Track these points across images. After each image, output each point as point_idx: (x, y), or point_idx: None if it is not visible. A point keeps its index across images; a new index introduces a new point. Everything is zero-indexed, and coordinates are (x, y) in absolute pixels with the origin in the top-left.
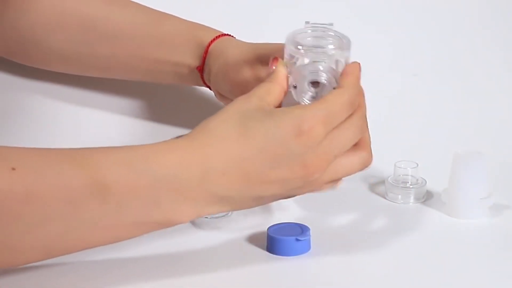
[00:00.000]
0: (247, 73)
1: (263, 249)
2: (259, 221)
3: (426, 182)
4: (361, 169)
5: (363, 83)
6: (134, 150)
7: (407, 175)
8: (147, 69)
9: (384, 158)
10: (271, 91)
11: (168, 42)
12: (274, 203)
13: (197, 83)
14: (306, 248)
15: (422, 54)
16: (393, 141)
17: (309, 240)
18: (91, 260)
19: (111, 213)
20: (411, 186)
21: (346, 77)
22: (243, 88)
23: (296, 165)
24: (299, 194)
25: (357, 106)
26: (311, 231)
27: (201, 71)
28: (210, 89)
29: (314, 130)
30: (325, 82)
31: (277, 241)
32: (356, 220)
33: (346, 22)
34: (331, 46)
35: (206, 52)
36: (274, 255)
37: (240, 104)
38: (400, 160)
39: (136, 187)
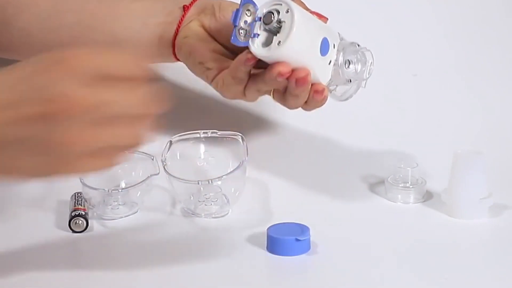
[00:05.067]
0: None
1: (263, 249)
2: (259, 221)
3: (426, 182)
4: (127, 143)
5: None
6: None
7: (407, 175)
8: (113, 29)
9: (384, 158)
10: None
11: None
12: (275, 204)
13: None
14: (306, 248)
15: (422, 54)
16: (393, 141)
17: (309, 240)
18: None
19: None
20: (411, 186)
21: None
22: None
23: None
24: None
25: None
26: (311, 231)
27: (187, 10)
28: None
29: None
30: None
31: (277, 241)
32: (356, 220)
33: (346, 22)
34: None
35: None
36: (274, 255)
37: None
38: (400, 160)
39: None
